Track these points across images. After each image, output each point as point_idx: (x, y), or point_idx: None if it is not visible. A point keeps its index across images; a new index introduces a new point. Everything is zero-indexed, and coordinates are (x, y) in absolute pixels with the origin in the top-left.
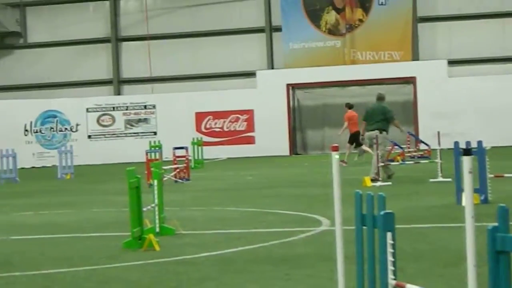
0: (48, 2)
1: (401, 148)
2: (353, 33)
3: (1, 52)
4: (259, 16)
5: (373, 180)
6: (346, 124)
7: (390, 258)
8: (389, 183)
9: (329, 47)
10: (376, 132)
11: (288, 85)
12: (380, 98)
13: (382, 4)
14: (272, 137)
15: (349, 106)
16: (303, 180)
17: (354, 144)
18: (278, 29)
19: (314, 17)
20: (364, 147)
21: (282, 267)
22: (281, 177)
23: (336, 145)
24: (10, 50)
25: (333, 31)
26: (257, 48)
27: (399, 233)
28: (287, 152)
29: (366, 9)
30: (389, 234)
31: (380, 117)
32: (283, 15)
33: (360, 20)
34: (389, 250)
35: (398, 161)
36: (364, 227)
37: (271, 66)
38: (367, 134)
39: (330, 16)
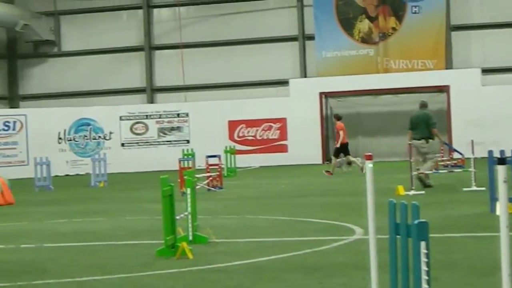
0: (82, 10)
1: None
2: (386, 41)
3: (35, 60)
4: (292, 24)
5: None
6: (342, 134)
7: (423, 267)
8: (423, 192)
9: (362, 55)
10: (423, 142)
11: (321, 93)
12: (423, 105)
13: (415, 13)
14: (304, 145)
15: (338, 118)
16: (335, 188)
17: (342, 154)
18: (311, 37)
19: (347, 25)
20: (351, 158)
21: (315, 275)
22: (313, 186)
23: (370, 154)
24: (44, 59)
25: (366, 40)
26: (290, 57)
27: (433, 242)
28: (319, 161)
29: (399, 18)
30: (422, 243)
31: (424, 125)
32: (316, 23)
33: (393, 29)
34: (423, 259)
35: (431, 170)
36: (398, 236)
37: (304, 74)
38: (415, 143)
39: (363, 25)
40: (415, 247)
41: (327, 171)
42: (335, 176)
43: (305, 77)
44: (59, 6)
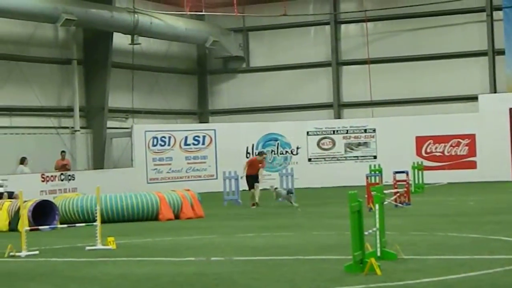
0: (269, 27)
1: None
2: None
3: (224, 76)
4: (481, 39)
5: None
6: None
7: None
8: None
9: None
10: None
11: (511, 109)
12: None
13: None
14: (494, 162)
15: (262, 154)
16: None
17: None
18: (501, 52)
19: None
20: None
21: None
22: (504, 203)
23: None
24: (233, 74)
25: None
26: (479, 72)
27: None
28: (509, 178)
29: None
30: None
31: None
32: (506, 38)
33: None
34: None
35: None
36: None
37: (494, 90)
38: None
39: None
40: None
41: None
42: None
43: (495, 92)
44: (247, 23)
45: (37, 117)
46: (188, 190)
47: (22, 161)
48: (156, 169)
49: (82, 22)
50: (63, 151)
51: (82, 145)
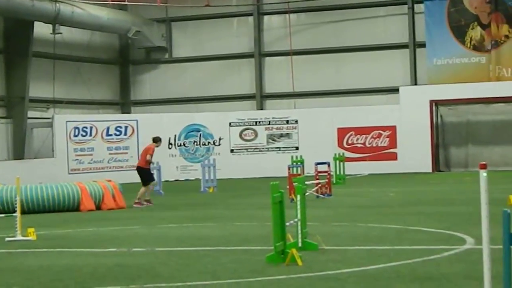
0: (193, 17)
1: None
2: (498, 49)
3: (147, 66)
4: (403, 31)
5: None
6: (149, 157)
7: None
8: None
9: (473, 63)
10: None
11: (431, 101)
12: None
13: None
14: (414, 153)
15: (155, 140)
16: (446, 198)
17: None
18: (422, 45)
19: (459, 33)
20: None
21: (426, 285)
22: (424, 194)
23: (485, 162)
24: (156, 65)
25: (478, 47)
26: (401, 64)
27: None
28: (429, 169)
29: None
30: None
31: None
32: (427, 30)
33: (506, 36)
34: None
35: None
36: None
37: (415, 82)
38: None
39: (475, 32)
40: None
41: (147, 201)
42: (445, 185)
43: (416, 84)
44: (170, 13)
45: None
46: (110, 180)
47: None
48: (77, 159)
49: (3, 11)
50: None
51: (2, 135)
